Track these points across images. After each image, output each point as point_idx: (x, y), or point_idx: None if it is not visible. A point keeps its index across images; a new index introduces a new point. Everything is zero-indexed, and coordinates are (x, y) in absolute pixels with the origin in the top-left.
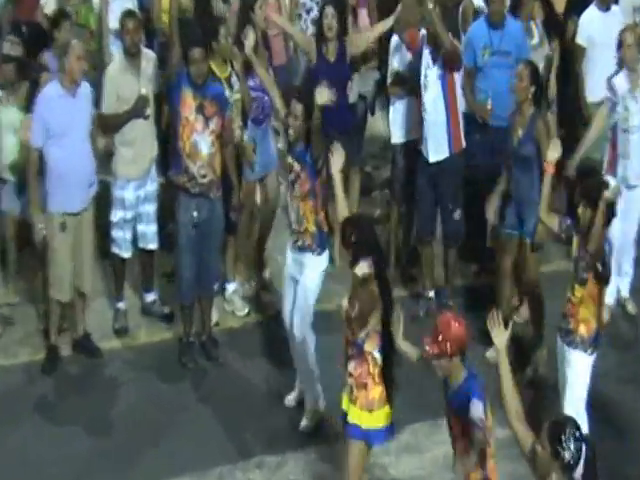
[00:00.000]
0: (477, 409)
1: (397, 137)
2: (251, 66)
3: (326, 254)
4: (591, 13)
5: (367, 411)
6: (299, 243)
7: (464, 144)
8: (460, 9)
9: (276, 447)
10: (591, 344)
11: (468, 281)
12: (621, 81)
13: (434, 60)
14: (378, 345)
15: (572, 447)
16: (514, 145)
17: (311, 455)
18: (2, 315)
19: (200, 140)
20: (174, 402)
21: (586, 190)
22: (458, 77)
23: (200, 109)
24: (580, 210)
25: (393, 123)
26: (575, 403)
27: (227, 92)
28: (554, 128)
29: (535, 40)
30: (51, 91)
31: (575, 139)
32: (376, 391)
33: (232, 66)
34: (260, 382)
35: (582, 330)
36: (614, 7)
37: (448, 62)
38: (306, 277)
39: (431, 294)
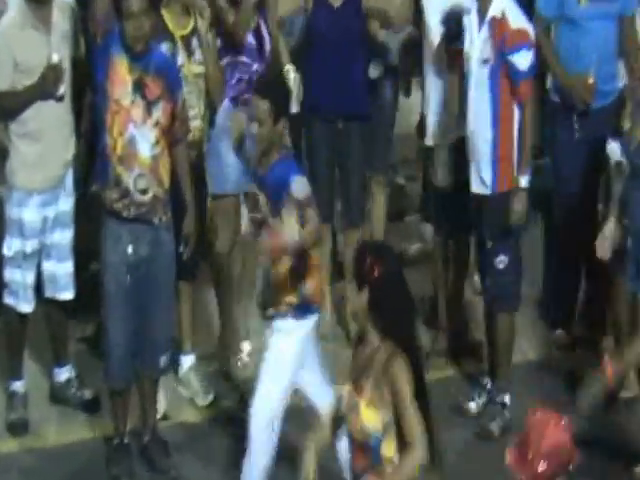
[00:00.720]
0: None
1: (433, 136)
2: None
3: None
4: None
5: None
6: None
7: (523, 182)
8: None
9: None
10: None
11: (550, 354)
12: None
13: (480, 26)
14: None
15: None
16: (630, 151)
17: None
18: None
19: (139, 136)
20: None
21: None
22: None
23: (139, 88)
24: None
25: (428, 113)
26: None
27: (181, 58)
28: None
29: None
30: None
31: None
32: None
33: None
34: None
35: None
36: None
37: None
38: None
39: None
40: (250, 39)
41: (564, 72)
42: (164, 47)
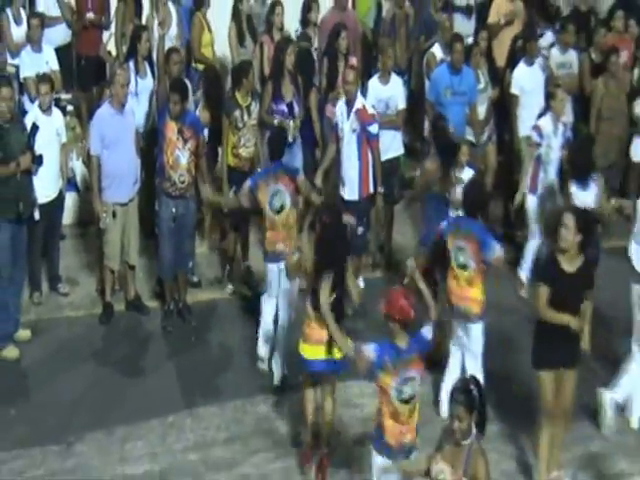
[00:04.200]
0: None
1: None
2: (279, 91)
3: None
4: (521, 68)
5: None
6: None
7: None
8: (424, 59)
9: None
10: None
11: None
12: (546, 123)
13: (348, 113)
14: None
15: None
16: None
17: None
18: (70, 278)
19: (180, 155)
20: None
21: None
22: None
23: (180, 132)
24: None
25: None
26: None
27: (245, 117)
28: (494, 156)
29: (482, 85)
30: (104, 111)
31: (510, 164)
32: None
33: (252, 97)
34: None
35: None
36: (536, 62)
37: None
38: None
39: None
40: (284, 107)
41: None
42: (237, 112)
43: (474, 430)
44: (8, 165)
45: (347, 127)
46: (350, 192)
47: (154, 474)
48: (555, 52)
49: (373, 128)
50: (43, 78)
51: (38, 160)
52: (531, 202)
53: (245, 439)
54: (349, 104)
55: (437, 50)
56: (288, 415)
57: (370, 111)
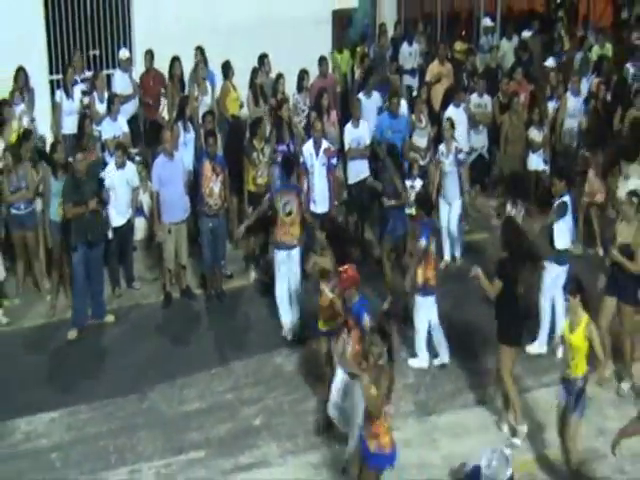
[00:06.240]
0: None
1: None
2: (282, 137)
3: None
4: (451, 109)
5: None
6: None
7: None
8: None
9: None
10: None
11: None
12: (441, 147)
13: (317, 151)
14: None
15: None
16: None
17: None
18: (140, 277)
19: (214, 186)
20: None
21: None
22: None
23: (214, 169)
24: None
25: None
26: None
27: (260, 157)
28: (436, 174)
29: (423, 125)
30: (159, 160)
31: None
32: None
33: (265, 142)
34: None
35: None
36: (462, 105)
37: None
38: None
39: None
40: (284, 147)
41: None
42: (254, 154)
43: (386, 355)
44: (81, 206)
45: (317, 162)
46: (322, 206)
47: (203, 410)
48: (474, 97)
49: (334, 161)
50: (119, 146)
51: (104, 203)
52: (439, 202)
53: (266, 382)
54: (317, 145)
55: None
56: (296, 363)
57: (332, 149)
